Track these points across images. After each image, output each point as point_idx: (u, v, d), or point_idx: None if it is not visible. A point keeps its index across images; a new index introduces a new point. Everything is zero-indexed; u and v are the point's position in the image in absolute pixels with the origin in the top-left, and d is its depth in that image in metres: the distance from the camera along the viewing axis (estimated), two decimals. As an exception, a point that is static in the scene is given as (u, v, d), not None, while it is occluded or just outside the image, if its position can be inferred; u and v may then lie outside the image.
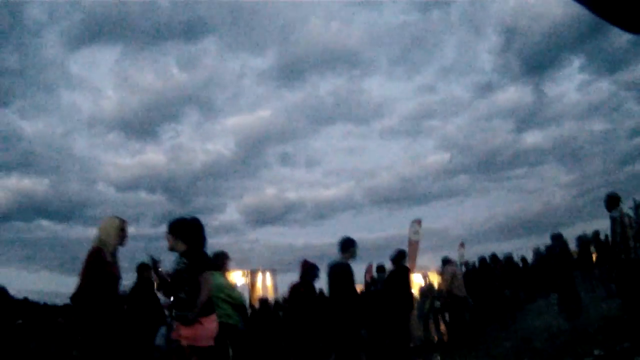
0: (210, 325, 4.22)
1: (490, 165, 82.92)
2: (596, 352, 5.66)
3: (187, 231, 4.43)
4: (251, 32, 75.75)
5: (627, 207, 8.03)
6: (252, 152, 79.54)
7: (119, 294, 4.72)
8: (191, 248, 4.36)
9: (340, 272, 6.57)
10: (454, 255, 16.03)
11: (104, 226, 4.50)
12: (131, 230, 4.71)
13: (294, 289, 7.27)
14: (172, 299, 4.58)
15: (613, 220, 7.28)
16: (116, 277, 4.46)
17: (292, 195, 77.19)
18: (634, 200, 11.32)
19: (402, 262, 8.35)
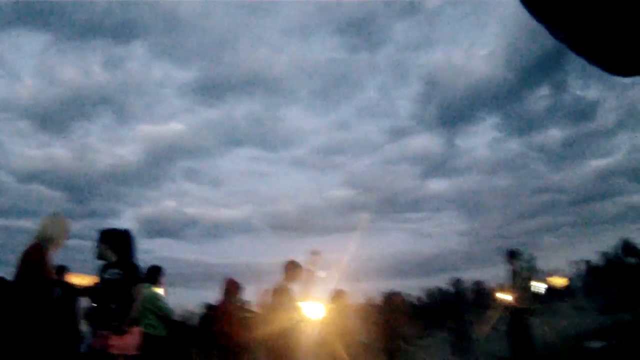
0: (136, 335, 4.40)
1: (392, 206, 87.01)
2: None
3: (119, 242, 4.50)
4: (180, 43, 72.96)
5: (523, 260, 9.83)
6: (159, 163, 75.55)
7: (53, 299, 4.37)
8: (122, 259, 4.41)
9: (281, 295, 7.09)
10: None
11: (51, 223, 4.28)
12: (27, 225, 4.67)
13: (218, 307, 7.51)
14: (93, 306, 4.57)
15: (513, 272, 8.99)
16: (54, 281, 4.31)
17: (191, 210, 74.33)
18: (529, 255, 13.48)
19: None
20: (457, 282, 11.27)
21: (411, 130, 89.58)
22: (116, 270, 4.35)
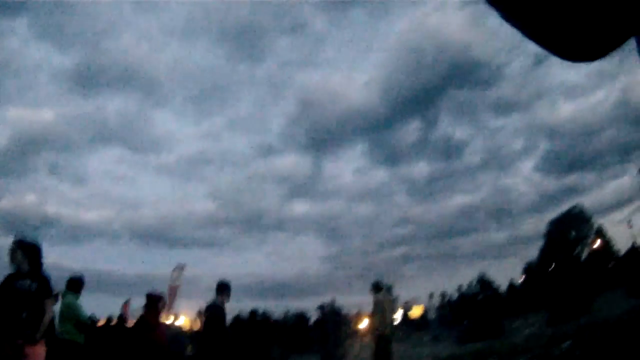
0: (44, 345, 4.48)
1: (254, 224, 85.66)
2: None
3: (35, 253, 4.56)
4: (63, 26, 67.38)
5: (386, 292, 10.50)
6: (23, 151, 68.53)
7: None
8: (34, 270, 4.47)
9: (214, 313, 7.41)
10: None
11: None
12: None
13: (142, 319, 7.48)
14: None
15: (377, 302, 9.60)
16: None
17: (51, 209, 68.01)
18: (390, 287, 14.31)
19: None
20: (322, 307, 11.70)
21: (280, 149, 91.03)
22: (28, 282, 4.35)
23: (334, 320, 15.30)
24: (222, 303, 7.51)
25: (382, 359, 9.00)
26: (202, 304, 12.52)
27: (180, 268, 17.45)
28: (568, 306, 14.63)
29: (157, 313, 7.44)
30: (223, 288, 7.54)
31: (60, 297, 6.50)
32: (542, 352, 8.21)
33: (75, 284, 6.89)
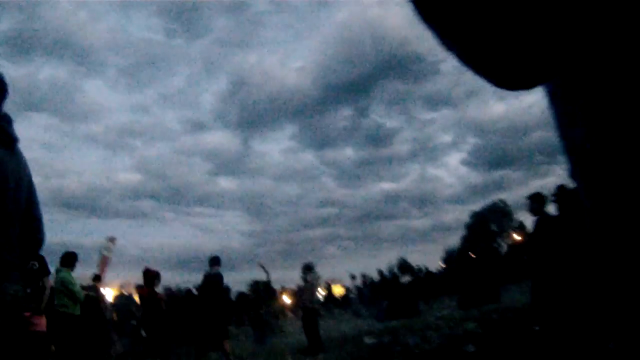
0: (44, 317, 5.37)
1: (179, 198, 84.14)
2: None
3: None
4: None
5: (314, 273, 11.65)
6: None
7: None
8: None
9: (218, 280, 8.71)
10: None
11: None
12: None
13: (145, 293, 8.67)
14: None
15: (307, 281, 10.79)
16: None
17: None
18: (306, 260, 15.51)
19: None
20: (256, 282, 12.77)
21: (210, 125, 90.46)
22: (33, 262, 4.90)
23: (266, 295, 16.40)
24: (218, 271, 8.84)
25: (311, 331, 10.13)
26: (128, 275, 13.33)
27: (111, 240, 17.88)
28: (478, 293, 16.25)
29: (154, 287, 8.61)
30: (217, 260, 8.88)
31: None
32: (449, 331, 9.54)
33: (69, 259, 7.46)
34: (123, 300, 13.99)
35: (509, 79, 0.72)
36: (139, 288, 9.11)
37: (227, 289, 9.06)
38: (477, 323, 9.83)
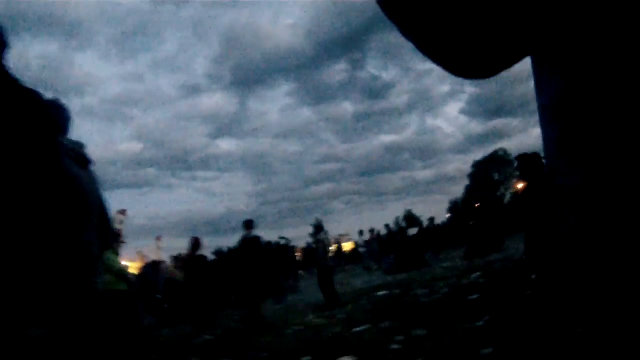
0: None
1: (181, 164, 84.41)
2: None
3: None
4: None
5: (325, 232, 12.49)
6: None
7: None
8: None
9: (256, 243, 9.60)
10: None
11: None
12: None
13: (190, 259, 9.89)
14: None
15: (319, 240, 11.64)
16: None
17: None
18: (316, 219, 16.36)
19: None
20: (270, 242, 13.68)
21: (206, 89, 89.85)
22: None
23: (282, 255, 17.22)
24: (250, 235, 9.67)
25: (327, 288, 11.01)
26: (139, 245, 14.29)
27: (121, 212, 18.66)
28: (483, 244, 17.04)
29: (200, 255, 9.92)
30: (251, 224, 9.68)
31: None
32: (455, 281, 10.38)
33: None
34: (149, 270, 14.65)
35: (465, 69, 0.76)
36: (182, 256, 10.08)
37: (264, 250, 9.89)
38: (481, 273, 10.66)
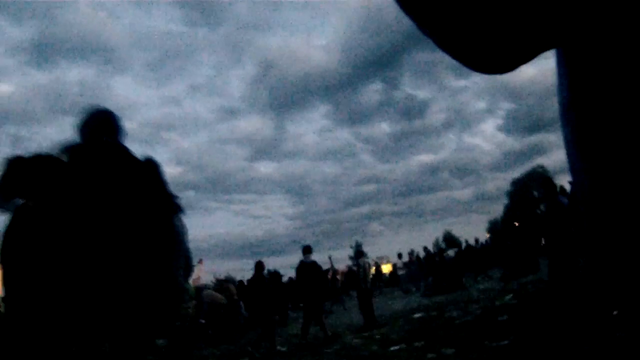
0: None
1: (220, 187, 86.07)
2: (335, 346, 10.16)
3: None
4: None
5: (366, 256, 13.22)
6: None
7: None
8: None
9: (314, 267, 10.86)
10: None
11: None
12: None
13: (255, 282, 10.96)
14: None
15: (360, 264, 12.38)
16: None
17: None
18: (356, 242, 17.20)
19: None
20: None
21: (242, 112, 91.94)
22: None
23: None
24: (308, 261, 10.91)
25: (367, 309, 11.73)
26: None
27: (200, 262, 20.29)
28: (520, 264, 17.37)
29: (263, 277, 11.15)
30: (309, 249, 10.97)
31: None
32: (488, 303, 10.97)
33: None
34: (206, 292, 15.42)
35: (485, 63, 0.75)
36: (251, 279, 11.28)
37: (323, 274, 11.11)
38: (513, 294, 11.21)
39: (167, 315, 2.87)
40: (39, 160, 3.00)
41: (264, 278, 11.09)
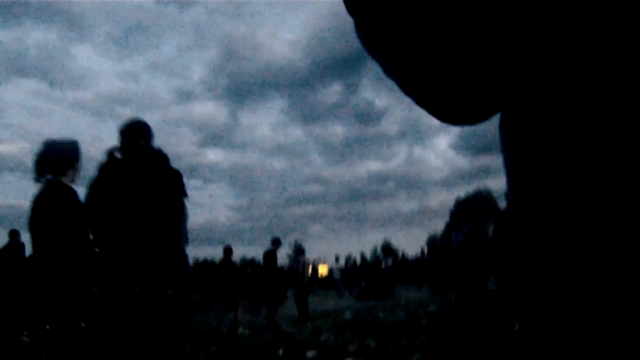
0: None
1: None
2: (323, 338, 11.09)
3: None
4: None
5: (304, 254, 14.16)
6: None
7: None
8: None
9: (271, 256, 12.03)
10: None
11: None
12: None
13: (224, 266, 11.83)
14: None
15: (299, 261, 13.33)
16: None
17: None
18: (295, 242, 18.19)
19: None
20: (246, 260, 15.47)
21: (199, 96, 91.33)
22: None
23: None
24: (275, 250, 12.21)
25: (302, 304, 12.71)
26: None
27: None
28: (450, 279, 18.58)
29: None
30: (277, 241, 12.30)
31: None
32: (413, 310, 12.07)
33: None
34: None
35: (451, 115, 0.73)
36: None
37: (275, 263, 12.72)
38: (438, 305, 12.32)
39: (177, 270, 3.72)
40: (67, 144, 3.89)
41: (232, 262, 11.88)
